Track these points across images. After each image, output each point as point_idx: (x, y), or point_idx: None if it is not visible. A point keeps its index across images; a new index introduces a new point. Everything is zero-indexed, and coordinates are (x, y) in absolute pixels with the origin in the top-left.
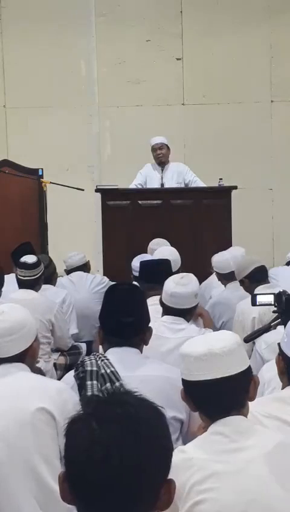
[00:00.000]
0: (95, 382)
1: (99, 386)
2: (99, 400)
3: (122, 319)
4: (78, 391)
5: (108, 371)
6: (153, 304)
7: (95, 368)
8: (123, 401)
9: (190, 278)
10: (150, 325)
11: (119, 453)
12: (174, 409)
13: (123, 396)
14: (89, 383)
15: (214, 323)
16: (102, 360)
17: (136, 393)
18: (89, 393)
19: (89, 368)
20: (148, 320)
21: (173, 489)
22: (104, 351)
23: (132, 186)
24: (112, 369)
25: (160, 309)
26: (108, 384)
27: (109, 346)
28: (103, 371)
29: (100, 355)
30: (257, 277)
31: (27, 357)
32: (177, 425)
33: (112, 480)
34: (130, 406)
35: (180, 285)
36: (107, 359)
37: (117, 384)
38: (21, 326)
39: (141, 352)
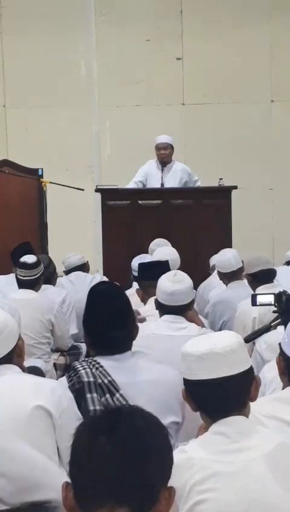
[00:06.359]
0: (95, 395)
1: (99, 398)
2: (106, 417)
3: (110, 334)
4: (76, 403)
5: (106, 381)
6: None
7: (91, 379)
8: (131, 422)
9: (182, 274)
10: (149, 324)
11: (129, 471)
12: (173, 413)
13: (130, 416)
14: (89, 396)
15: (214, 322)
16: (96, 368)
17: (141, 410)
18: (91, 407)
19: (85, 379)
20: (135, 319)
21: (173, 496)
22: (93, 356)
23: (132, 182)
24: (109, 378)
25: None
26: (107, 396)
27: (98, 353)
28: (100, 380)
29: (92, 362)
30: (259, 278)
31: (14, 357)
32: (175, 428)
33: (115, 493)
34: (136, 424)
35: (177, 283)
36: (101, 366)
37: (117, 395)
38: (3, 327)
39: (131, 349)
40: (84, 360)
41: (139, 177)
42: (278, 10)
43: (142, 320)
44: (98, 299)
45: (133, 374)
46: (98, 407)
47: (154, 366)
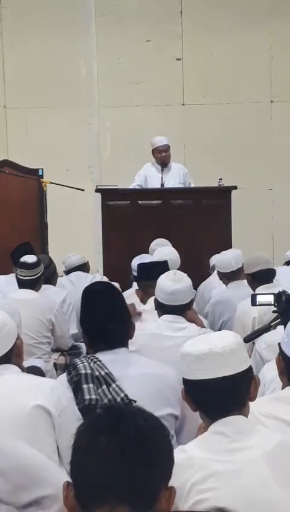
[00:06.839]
0: (91, 385)
1: (95, 388)
2: (107, 417)
3: (107, 327)
4: (74, 395)
5: (102, 372)
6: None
7: (89, 371)
8: (132, 422)
9: (181, 273)
10: (149, 324)
11: (129, 471)
12: (169, 405)
13: (130, 416)
14: (85, 386)
15: (214, 322)
16: (94, 362)
17: (142, 411)
18: (87, 397)
19: (83, 371)
20: (130, 316)
21: (173, 496)
22: (92, 353)
23: (131, 188)
24: (106, 370)
25: None
26: (104, 387)
27: (97, 350)
28: (97, 373)
29: (91, 357)
30: (259, 278)
31: (13, 357)
32: (172, 421)
33: (116, 493)
34: (137, 424)
35: (177, 282)
36: (99, 360)
37: (113, 385)
38: (1, 327)
39: (128, 347)
40: (83, 357)
41: (137, 182)
42: (278, 10)
43: (138, 314)
44: (92, 299)
45: (128, 367)
46: (93, 396)
47: (151, 361)
